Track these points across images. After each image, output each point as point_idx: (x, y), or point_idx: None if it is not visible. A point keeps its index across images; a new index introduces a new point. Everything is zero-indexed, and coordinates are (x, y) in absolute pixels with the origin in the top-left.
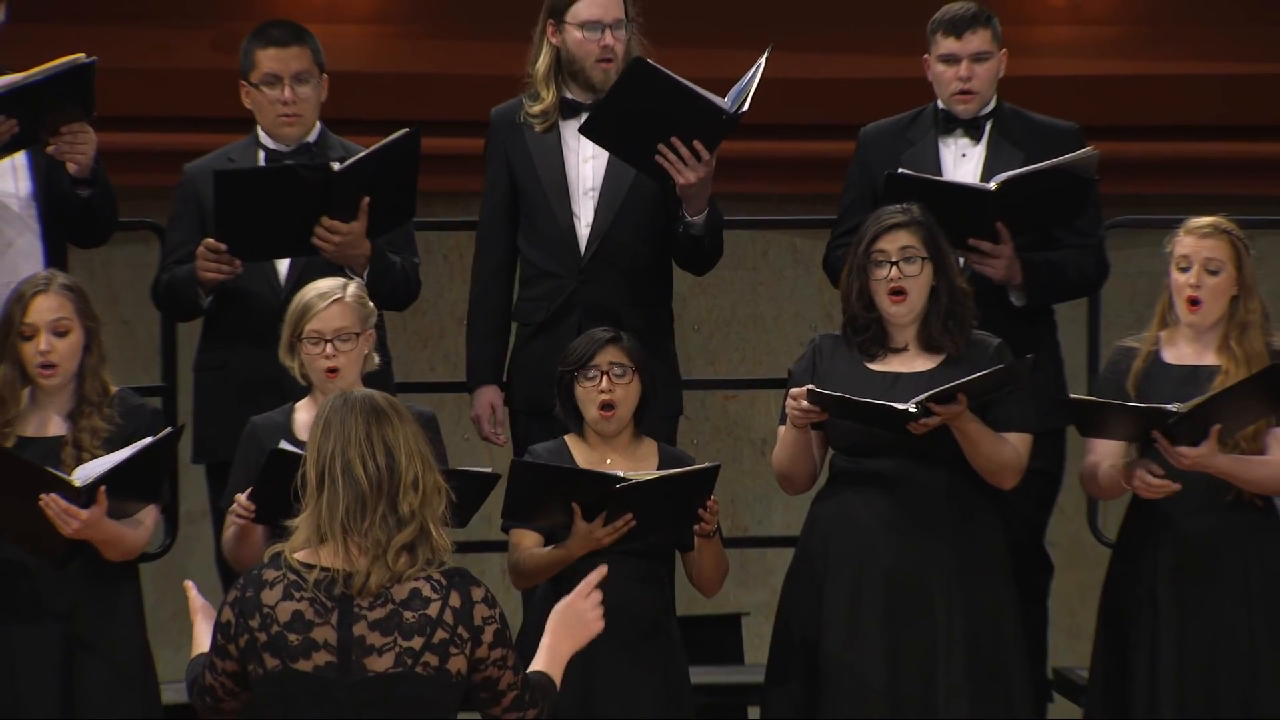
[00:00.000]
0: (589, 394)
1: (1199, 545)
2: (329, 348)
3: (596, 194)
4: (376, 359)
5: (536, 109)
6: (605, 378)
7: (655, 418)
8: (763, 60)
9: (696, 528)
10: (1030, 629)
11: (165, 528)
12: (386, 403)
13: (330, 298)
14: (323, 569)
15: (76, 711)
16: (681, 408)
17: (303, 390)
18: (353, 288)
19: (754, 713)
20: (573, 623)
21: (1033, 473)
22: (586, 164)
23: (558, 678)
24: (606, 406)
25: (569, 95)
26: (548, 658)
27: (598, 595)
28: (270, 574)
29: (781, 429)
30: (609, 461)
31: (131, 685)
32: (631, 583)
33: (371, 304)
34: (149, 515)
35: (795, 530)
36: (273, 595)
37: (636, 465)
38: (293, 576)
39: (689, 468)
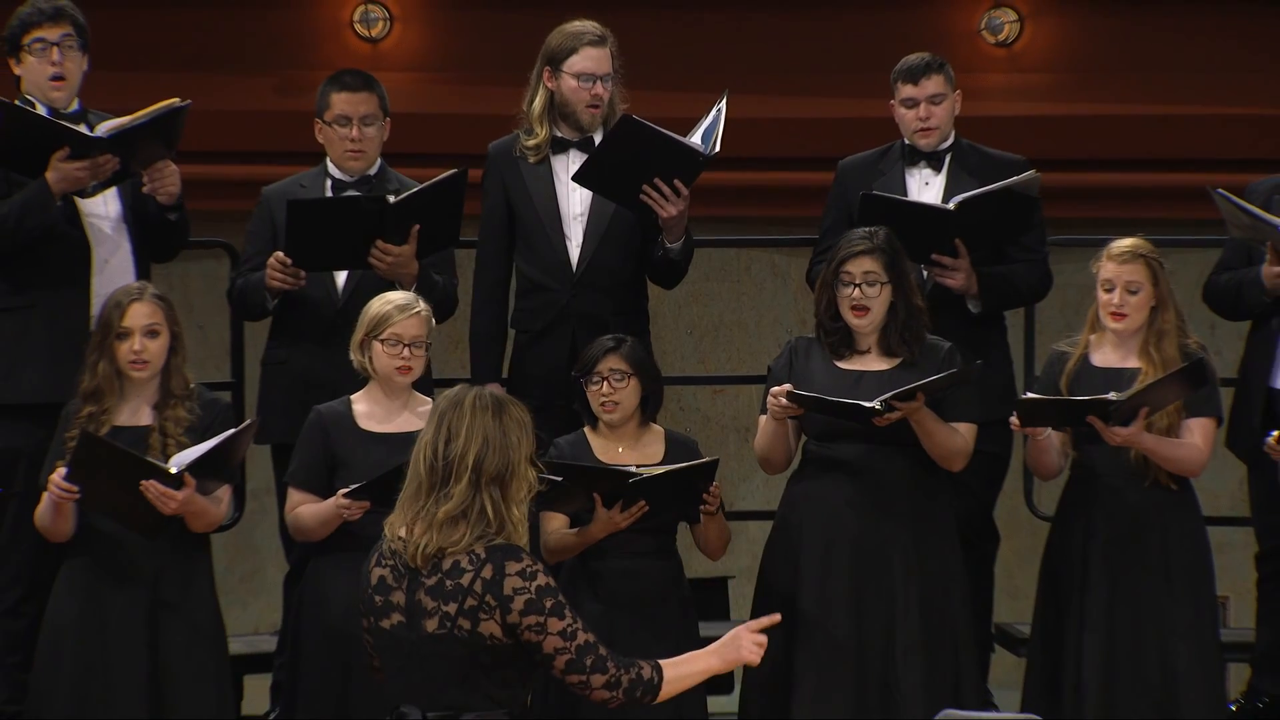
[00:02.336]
0: (594, 395)
1: (1125, 519)
2: (406, 351)
3: (585, 219)
4: (429, 365)
5: (531, 143)
6: (606, 382)
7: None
8: (723, 103)
9: (703, 509)
10: (977, 590)
11: (234, 503)
12: (475, 396)
13: (410, 310)
14: (400, 539)
15: (159, 663)
16: (662, 400)
17: (353, 383)
18: (424, 304)
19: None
20: (729, 644)
21: (984, 455)
22: (575, 193)
23: (678, 675)
24: (607, 405)
25: (559, 133)
26: (684, 659)
27: (762, 638)
28: (380, 545)
29: (762, 419)
30: (620, 450)
31: (205, 640)
32: (646, 557)
33: (435, 321)
34: (225, 493)
35: (773, 506)
36: (372, 562)
37: (644, 451)
38: (385, 546)
39: (692, 462)
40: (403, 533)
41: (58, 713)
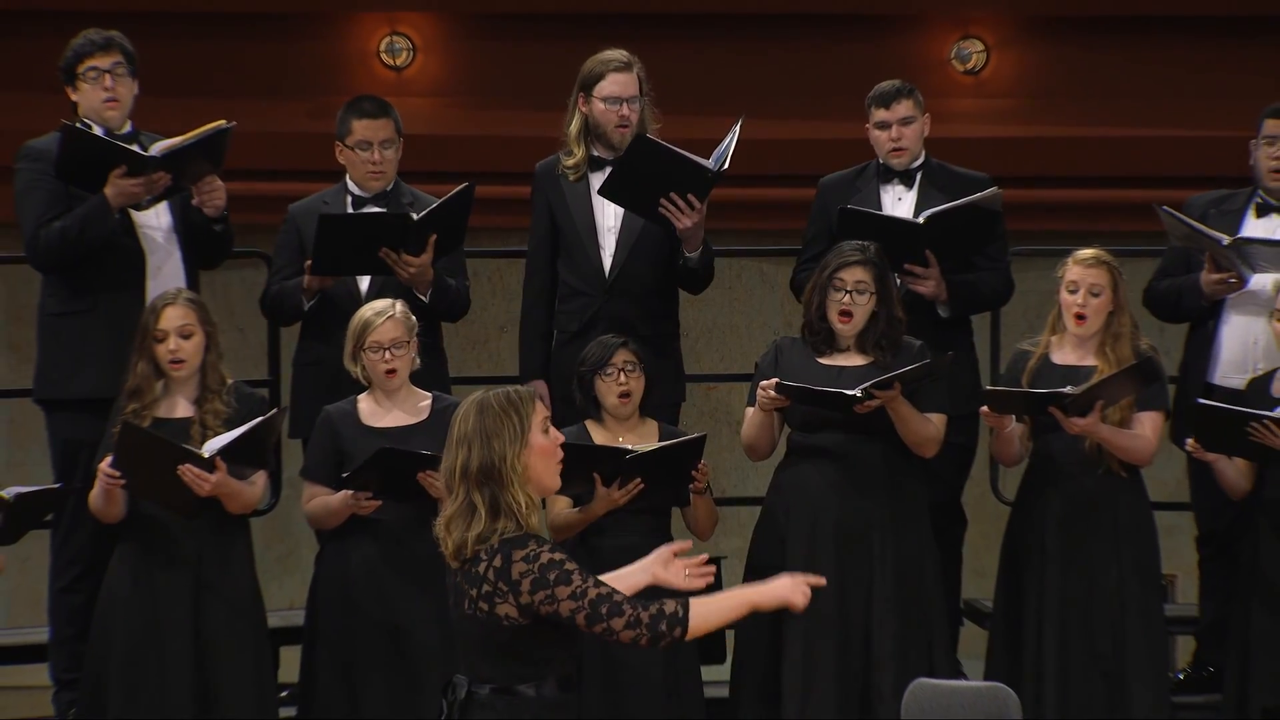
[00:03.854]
0: (609, 387)
1: (1079, 504)
2: (387, 354)
3: (617, 232)
4: (417, 361)
5: (569, 162)
6: (621, 373)
7: (663, 404)
8: (738, 126)
9: (691, 486)
10: (946, 569)
11: (271, 489)
12: (465, 406)
13: (385, 315)
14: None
15: (202, 635)
16: (685, 396)
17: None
18: (400, 306)
19: (730, 636)
20: (779, 584)
21: (953, 446)
22: (608, 208)
23: (714, 609)
24: (624, 396)
25: (595, 153)
26: (720, 595)
27: (808, 590)
28: None
29: (749, 410)
30: (620, 439)
31: (244, 615)
32: (642, 535)
33: (414, 318)
34: (260, 478)
35: (762, 492)
36: None
37: (643, 441)
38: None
39: (682, 438)
40: (441, 538)
41: (111, 680)
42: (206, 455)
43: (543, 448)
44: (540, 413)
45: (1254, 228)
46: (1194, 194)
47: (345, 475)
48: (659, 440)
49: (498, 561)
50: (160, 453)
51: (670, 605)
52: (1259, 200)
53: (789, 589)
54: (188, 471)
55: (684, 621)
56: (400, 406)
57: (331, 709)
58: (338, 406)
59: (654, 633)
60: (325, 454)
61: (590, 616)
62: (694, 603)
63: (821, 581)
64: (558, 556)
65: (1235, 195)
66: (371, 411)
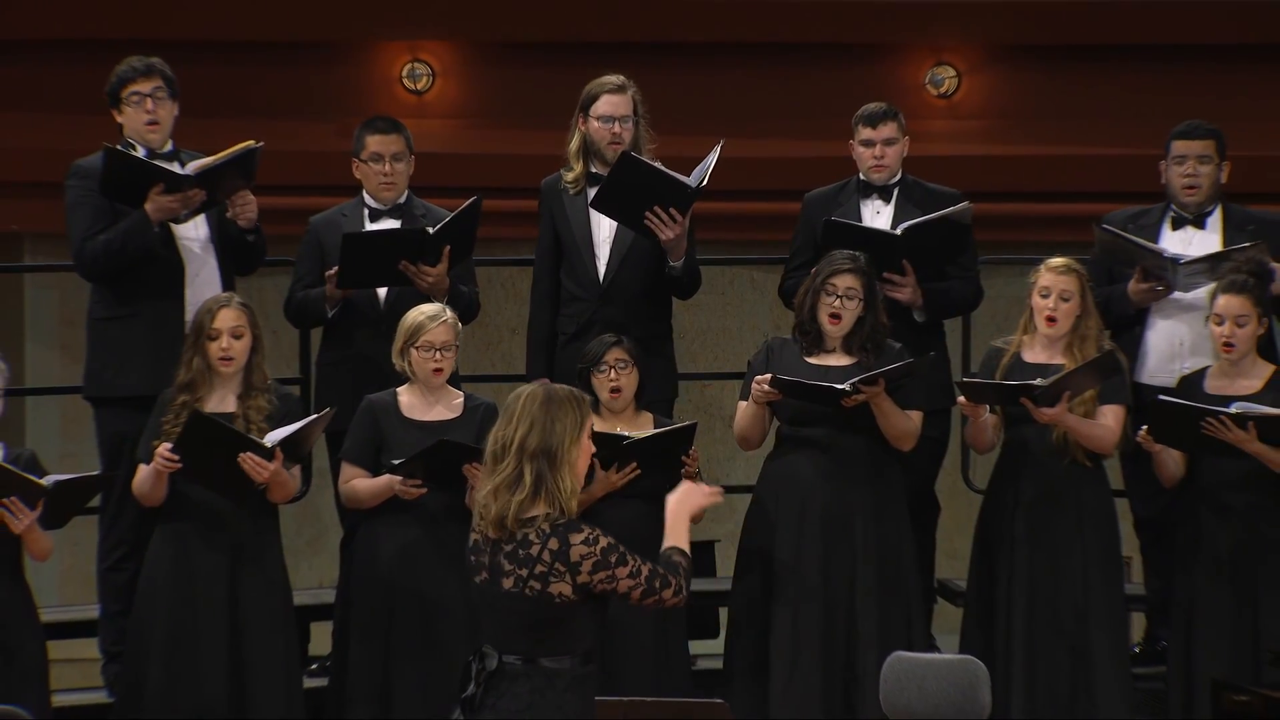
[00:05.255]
0: (602, 383)
1: (1045, 491)
2: (436, 355)
3: (610, 243)
4: (455, 363)
5: (570, 177)
6: (613, 370)
7: (657, 399)
8: (718, 148)
9: (683, 471)
10: (921, 551)
11: (301, 478)
12: (530, 391)
13: (439, 319)
14: (481, 512)
15: (237, 611)
16: (677, 392)
17: (393, 379)
18: (450, 312)
19: (723, 614)
20: (681, 497)
21: (927, 439)
22: (603, 220)
23: (683, 535)
24: (615, 390)
25: (593, 169)
26: (670, 533)
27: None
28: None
29: (742, 404)
30: (618, 428)
31: (276, 592)
32: (638, 516)
33: (460, 324)
34: (297, 471)
35: (753, 481)
36: (472, 529)
37: (638, 430)
38: (476, 517)
39: (675, 425)
40: (481, 507)
41: (154, 653)
42: (269, 445)
43: (585, 447)
44: (591, 419)
45: (1169, 239)
46: (1131, 206)
47: (396, 462)
48: (652, 429)
49: (553, 544)
50: (226, 441)
51: (681, 560)
52: (1173, 214)
53: (695, 494)
54: (248, 459)
55: (688, 562)
56: (439, 402)
57: (364, 680)
58: (379, 397)
59: (688, 585)
60: (366, 440)
61: (645, 591)
62: (674, 546)
63: (718, 492)
64: (612, 541)
65: (1151, 210)
66: (411, 405)
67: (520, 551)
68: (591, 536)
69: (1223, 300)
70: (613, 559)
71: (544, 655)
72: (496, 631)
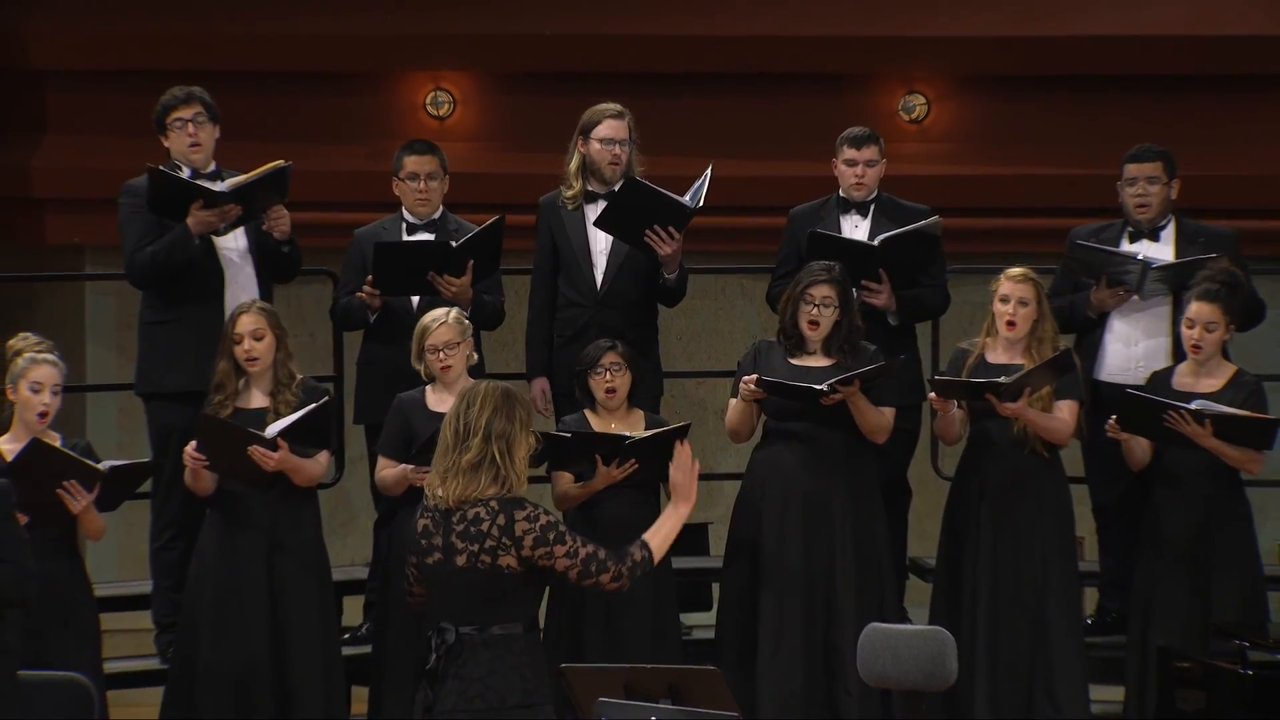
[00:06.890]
0: (598, 384)
1: (1007, 479)
2: (441, 354)
3: (606, 254)
4: (475, 357)
5: (569, 194)
6: (608, 372)
7: (645, 397)
8: (709, 171)
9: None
10: (895, 532)
11: (335, 466)
12: (487, 384)
13: (439, 321)
14: (437, 495)
15: (275, 585)
16: (663, 390)
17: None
18: (454, 313)
19: (715, 590)
20: (680, 492)
21: (900, 431)
22: (600, 234)
23: (662, 541)
24: (610, 391)
25: (590, 187)
26: (657, 526)
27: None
28: (424, 500)
29: (732, 401)
30: (613, 426)
31: (312, 572)
32: (633, 505)
33: (468, 321)
34: (323, 456)
35: (741, 469)
36: (419, 514)
37: (632, 428)
38: (426, 502)
39: (672, 426)
40: (439, 489)
41: (202, 624)
42: (268, 436)
43: (528, 437)
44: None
45: (1129, 251)
46: (1092, 222)
47: (413, 453)
48: (645, 427)
49: (500, 520)
50: (232, 436)
51: (637, 553)
52: (1130, 229)
53: (687, 493)
54: (255, 451)
55: (651, 559)
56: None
57: (402, 648)
58: (409, 394)
59: (634, 577)
60: (396, 433)
61: (581, 573)
62: (650, 540)
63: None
64: (553, 519)
65: (1112, 225)
66: (436, 399)
67: (471, 529)
68: (534, 514)
69: (1195, 306)
70: (551, 536)
71: (495, 623)
72: (451, 607)
